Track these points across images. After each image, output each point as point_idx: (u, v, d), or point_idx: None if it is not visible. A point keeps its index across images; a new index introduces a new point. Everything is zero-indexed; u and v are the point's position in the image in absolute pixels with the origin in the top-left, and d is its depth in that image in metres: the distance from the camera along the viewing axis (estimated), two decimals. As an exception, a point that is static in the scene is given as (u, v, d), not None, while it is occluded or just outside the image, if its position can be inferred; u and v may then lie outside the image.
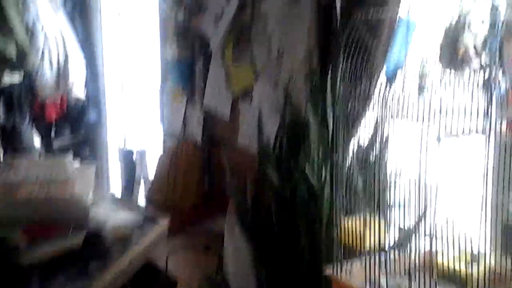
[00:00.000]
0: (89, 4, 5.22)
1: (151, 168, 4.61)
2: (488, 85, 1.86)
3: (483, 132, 1.76)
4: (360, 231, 2.15)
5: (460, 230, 1.93)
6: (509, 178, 1.84)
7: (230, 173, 3.22)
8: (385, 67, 2.06)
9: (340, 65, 2.39)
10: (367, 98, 2.25)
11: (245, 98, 3.57)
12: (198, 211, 3.93)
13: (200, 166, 4.08)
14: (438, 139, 1.81)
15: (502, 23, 1.79)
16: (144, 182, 4.70)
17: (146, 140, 4.93)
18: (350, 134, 2.45)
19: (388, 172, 2.31)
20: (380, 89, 2.11)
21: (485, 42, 1.81)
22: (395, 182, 2.33)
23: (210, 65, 3.90)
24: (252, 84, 3.50)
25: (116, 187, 5.15)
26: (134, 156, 4.82)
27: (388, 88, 2.06)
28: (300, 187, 2.58)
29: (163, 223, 2.63)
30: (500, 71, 1.79)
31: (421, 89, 2.04)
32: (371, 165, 2.34)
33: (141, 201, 4.54)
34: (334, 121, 2.52)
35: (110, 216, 2.57)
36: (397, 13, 2.06)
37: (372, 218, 2.17)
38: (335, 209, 2.26)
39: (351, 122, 2.36)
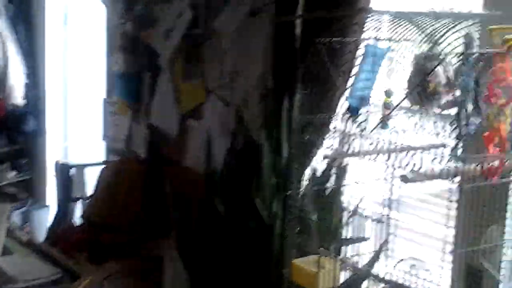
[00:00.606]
0: (33, 10, 5.01)
1: (90, 185, 4.41)
2: (459, 122, 1.74)
3: (448, 173, 1.64)
4: (312, 271, 2.01)
5: (421, 273, 1.83)
6: (468, 220, 1.74)
7: (174, 194, 3.06)
8: (348, 97, 1.93)
9: (298, 91, 2.27)
10: (325, 128, 2.13)
11: (195, 116, 3.42)
12: (138, 232, 3.75)
13: (143, 184, 3.90)
14: (404, 178, 1.68)
15: (477, 55, 1.69)
16: (82, 199, 4.49)
17: (86, 154, 4.73)
18: (304, 164, 2.33)
19: (345, 207, 2.20)
20: (340, 120, 1.99)
21: (457, 75, 1.70)
22: (351, 218, 2.22)
23: (158, 80, 3.74)
24: (202, 102, 3.37)
25: (52, 203, 4.92)
26: (72, 171, 4.59)
27: (350, 119, 1.93)
28: (250, 218, 2.42)
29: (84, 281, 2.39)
30: (474, 108, 1.68)
31: (385, 123, 1.92)
32: (327, 199, 2.21)
33: (78, 221, 4.31)
34: (289, 150, 2.40)
35: (23, 270, 2.26)
36: (362, 40, 1.94)
37: (325, 257, 2.04)
38: (287, 246, 2.12)
39: (306, 153, 2.24)
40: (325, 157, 2.05)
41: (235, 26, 3.12)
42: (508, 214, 1.87)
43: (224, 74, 3.22)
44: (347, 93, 1.94)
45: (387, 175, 1.90)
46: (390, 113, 1.82)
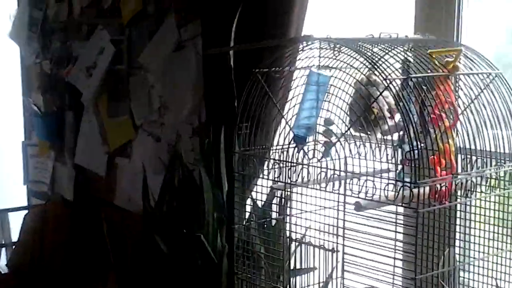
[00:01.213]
0: None
1: (14, 231, 4.23)
2: (403, 147, 1.75)
3: (402, 198, 1.64)
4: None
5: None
6: (422, 247, 1.74)
7: (110, 235, 2.96)
8: (293, 127, 1.91)
9: (237, 123, 2.23)
10: (266, 159, 2.10)
11: (125, 154, 3.33)
12: (69, 279, 3.60)
13: (70, 227, 3.76)
14: (357, 205, 1.67)
15: (419, 79, 1.70)
16: (6, 247, 4.29)
17: (8, 199, 4.53)
18: (247, 197, 2.29)
19: (291, 237, 2.17)
20: (284, 151, 1.96)
21: (399, 99, 1.70)
22: (298, 248, 2.19)
23: (82, 118, 3.64)
24: (131, 139, 3.28)
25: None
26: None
27: (295, 149, 1.91)
28: (195, 256, 2.36)
29: None
30: (420, 131, 1.68)
31: (328, 151, 1.91)
32: (272, 231, 2.18)
33: (2, 269, 4.12)
34: (229, 183, 2.36)
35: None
36: (304, 68, 1.93)
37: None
38: (236, 281, 2.07)
39: (248, 185, 2.20)
40: (271, 188, 2.02)
41: (161, 60, 3.07)
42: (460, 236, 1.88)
43: (153, 110, 3.16)
44: (291, 123, 1.92)
45: (336, 203, 1.88)
46: (336, 141, 1.81)
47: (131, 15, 3.25)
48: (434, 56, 1.71)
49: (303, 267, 2.24)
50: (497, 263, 1.81)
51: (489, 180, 1.77)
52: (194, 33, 2.86)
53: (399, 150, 1.79)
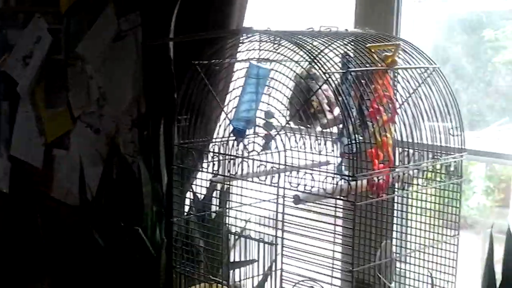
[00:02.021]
0: None
1: None
2: (342, 140, 1.76)
3: (340, 191, 1.65)
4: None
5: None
6: (359, 239, 1.76)
7: (46, 229, 2.90)
8: (232, 119, 1.89)
9: (176, 115, 2.20)
10: (206, 152, 2.08)
11: (63, 145, 3.26)
12: (3, 273, 3.51)
13: (6, 220, 3.67)
14: (296, 198, 1.66)
15: (358, 73, 1.71)
16: None
17: None
18: (186, 190, 2.27)
19: (231, 230, 2.16)
20: (224, 143, 1.95)
21: (338, 93, 1.71)
22: (237, 241, 2.18)
23: (18, 109, 3.54)
24: (69, 130, 3.22)
25: None
26: None
27: (235, 142, 1.90)
28: (133, 249, 2.33)
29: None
30: (359, 124, 1.69)
31: (268, 144, 1.91)
32: (212, 224, 2.16)
33: None
34: (169, 176, 2.33)
35: None
36: (244, 61, 1.91)
37: (215, 283, 1.99)
38: (175, 275, 2.05)
39: (187, 178, 2.18)
40: (211, 181, 2.00)
41: (100, 51, 3.01)
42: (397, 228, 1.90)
43: (92, 101, 3.10)
44: (230, 115, 1.91)
45: (275, 196, 1.88)
46: (276, 134, 1.81)
47: (69, 4, 3.17)
48: (373, 51, 1.72)
49: (242, 259, 2.24)
50: (433, 254, 1.85)
51: (425, 173, 1.80)
52: (134, 23, 2.82)
53: (338, 143, 1.80)
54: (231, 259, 2.26)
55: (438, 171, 1.81)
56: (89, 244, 2.56)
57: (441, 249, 1.83)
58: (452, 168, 1.79)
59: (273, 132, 1.87)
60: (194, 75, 1.96)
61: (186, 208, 2.28)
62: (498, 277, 1.93)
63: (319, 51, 1.71)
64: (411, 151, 1.76)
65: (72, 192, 3.06)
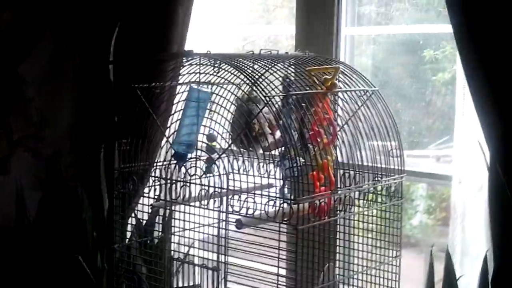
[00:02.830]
0: None
1: None
2: (284, 163, 1.75)
3: (282, 214, 1.63)
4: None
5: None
6: (302, 261, 1.75)
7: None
8: (173, 143, 1.87)
9: (117, 139, 2.17)
10: (147, 177, 2.05)
11: (1, 170, 3.17)
12: None
13: None
14: (238, 223, 1.65)
15: (298, 96, 1.71)
16: None
17: None
18: (127, 216, 2.22)
19: (174, 256, 2.13)
20: (165, 168, 1.92)
21: (279, 116, 1.70)
22: (180, 266, 2.15)
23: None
24: (7, 154, 3.13)
25: None
26: None
27: (176, 166, 1.87)
28: (74, 277, 2.27)
29: None
30: (300, 147, 1.69)
31: (210, 168, 1.89)
32: (154, 250, 2.12)
33: None
34: (110, 201, 2.28)
35: None
36: (184, 84, 1.89)
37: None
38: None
39: (129, 203, 2.14)
40: (152, 206, 1.97)
41: (39, 73, 2.95)
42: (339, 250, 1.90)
43: (31, 124, 3.03)
44: (171, 139, 1.88)
45: (218, 221, 1.86)
46: (218, 158, 1.79)
47: (5, 24, 3.11)
48: (312, 74, 1.73)
49: (186, 285, 2.21)
50: (376, 276, 1.85)
51: (367, 194, 1.81)
52: (73, 46, 2.77)
53: (280, 166, 1.79)
54: (174, 285, 2.22)
55: (379, 192, 1.82)
56: (26, 271, 2.48)
57: (384, 270, 1.84)
58: (392, 189, 1.81)
59: (215, 155, 1.85)
60: (134, 98, 1.93)
61: (128, 234, 2.24)
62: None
63: (259, 74, 1.71)
64: (352, 173, 1.76)
65: (12, 217, 2.97)
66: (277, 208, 1.62)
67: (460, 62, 1.88)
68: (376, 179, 1.80)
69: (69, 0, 2.66)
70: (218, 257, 1.97)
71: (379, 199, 1.82)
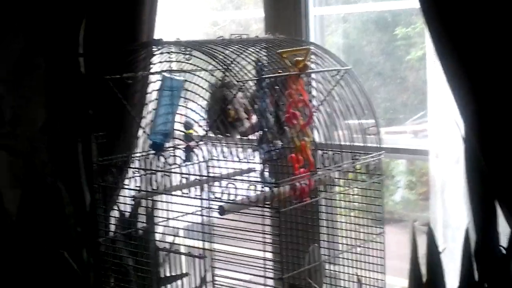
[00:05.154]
0: None
1: None
2: (262, 147, 1.74)
3: (264, 198, 1.63)
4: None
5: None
6: (287, 244, 1.76)
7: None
8: (150, 133, 1.86)
9: (93, 132, 2.15)
10: (127, 168, 2.04)
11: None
12: None
13: None
14: (221, 209, 1.64)
15: (271, 79, 1.70)
16: None
17: None
18: (110, 208, 2.21)
19: (159, 245, 2.13)
20: (141, 158, 1.91)
21: (253, 100, 1.70)
22: (167, 256, 2.15)
23: None
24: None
25: None
26: None
27: (155, 156, 1.86)
28: (60, 272, 2.26)
29: None
30: (277, 130, 1.69)
31: (189, 156, 1.88)
32: (139, 241, 2.12)
33: None
34: (91, 195, 2.27)
35: None
36: (157, 73, 1.88)
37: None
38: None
39: (110, 196, 2.12)
40: (133, 197, 1.96)
41: (9, 69, 2.92)
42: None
43: (5, 121, 3.00)
44: (148, 129, 1.87)
45: (201, 208, 1.86)
46: (195, 145, 1.78)
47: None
48: (284, 56, 1.72)
49: (173, 274, 2.21)
50: (361, 254, 1.86)
51: (347, 174, 1.81)
52: (43, 41, 2.74)
53: (259, 151, 1.79)
54: (162, 275, 2.22)
55: (359, 171, 1.82)
56: (12, 268, 2.47)
57: (369, 248, 1.85)
58: (372, 167, 1.81)
59: (193, 143, 1.85)
60: (107, 89, 1.91)
61: (112, 227, 2.23)
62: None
63: (231, 59, 1.70)
64: (330, 153, 1.76)
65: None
66: (259, 193, 1.62)
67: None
68: (355, 157, 1.80)
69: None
70: (203, 245, 1.97)
71: (359, 178, 1.83)
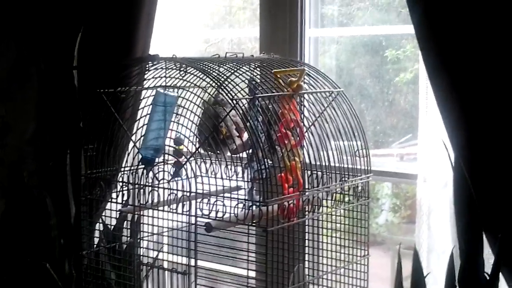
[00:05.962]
0: None
1: None
2: (252, 165, 1.75)
3: (252, 217, 1.64)
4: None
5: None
6: (273, 263, 1.76)
7: None
8: (141, 148, 1.86)
9: (83, 145, 2.15)
10: (115, 182, 2.03)
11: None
12: None
13: None
14: (208, 226, 1.65)
15: (265, 98, 1.72)
16: None
17: None
18: (95, 222, 2.20)
19: (143, 261, 2.12)
20: (130, 172, 1.91)
21: (246, 118, 1.71)
22: (150, 271, 2.14)
23: None
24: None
25: None
26: None
27: (144, 171, 1.86)
28: (42, 284, 2.24)
29: None
30: (268, 149, 1.70)
31: (178, 172, 1.88)
32: (123, 255, 2.11)
33: None
34: (77, 207, 2.26)
35: None
36: (150, 88, 1.89)
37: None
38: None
39: (96, 209, 2.12)
40: (120, 211, 1.96)
41: (1, 79, 2.90)
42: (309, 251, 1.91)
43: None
44: (138, 144, 1.87)
45: (188, 224, 1.86)
46: (186, 162, 1.79)
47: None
48: (278, 76, 1.73)
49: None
50: (345, 276, 1.87)
51: (334, 195, 1.83)
52: (36, 51, 2.73)
53: (249, 169, 1.80)
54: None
55: (347, 192, 1.83)
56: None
57: (353, 269, 1.86)
58: (359, 189, 1.82)
59: (182, 159, 1.85)
60: (99, 103, 1.91)
61: (96, 240, 2.22)
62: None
63: (225, 77, 1.71)
64: (319, 173, 1.78)
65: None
66: (246, 211, 1.63)
67: (422, 60, 1.91)
68: (343, 179, 1.81)
69: (31, 5, 2.62)
70: (188, 261, 1.96)
71: (347, 199, 1.84)
